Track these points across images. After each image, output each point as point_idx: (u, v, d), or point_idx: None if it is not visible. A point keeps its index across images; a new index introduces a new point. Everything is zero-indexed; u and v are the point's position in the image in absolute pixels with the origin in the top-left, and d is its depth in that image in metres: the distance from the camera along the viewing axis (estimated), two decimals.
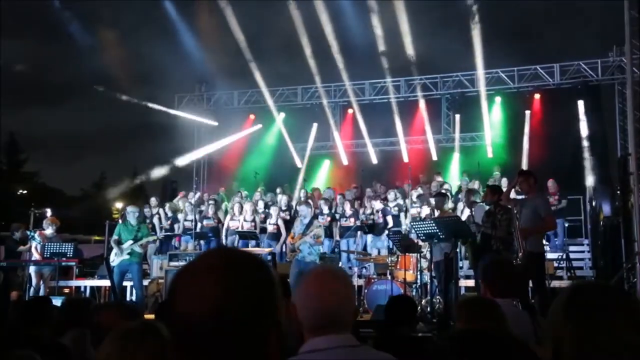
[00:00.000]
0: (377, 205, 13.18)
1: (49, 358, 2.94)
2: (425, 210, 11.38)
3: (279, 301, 1.20)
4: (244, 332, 1.13)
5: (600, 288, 1.53)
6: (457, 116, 17.06)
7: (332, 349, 1.83)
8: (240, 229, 13.25)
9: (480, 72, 15.95)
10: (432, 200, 10.87)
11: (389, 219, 12.89)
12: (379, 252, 12.62)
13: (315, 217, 12.15)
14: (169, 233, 13.96)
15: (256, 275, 1.18)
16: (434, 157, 17.37)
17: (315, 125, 18.08)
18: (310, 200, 13.98)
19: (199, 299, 1.12)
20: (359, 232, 13.09)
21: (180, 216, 14.30)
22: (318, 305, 1.89)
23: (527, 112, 16.54)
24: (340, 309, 1.92)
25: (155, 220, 14.27)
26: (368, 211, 13.40)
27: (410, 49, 15.37)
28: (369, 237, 13.18)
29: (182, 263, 11.24)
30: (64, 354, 3.24)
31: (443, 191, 11.89)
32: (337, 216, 13.36)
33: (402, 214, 12.97)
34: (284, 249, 12.93)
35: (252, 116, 18.73)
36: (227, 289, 1.13)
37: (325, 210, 13.34)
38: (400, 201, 13.38)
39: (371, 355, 1.96)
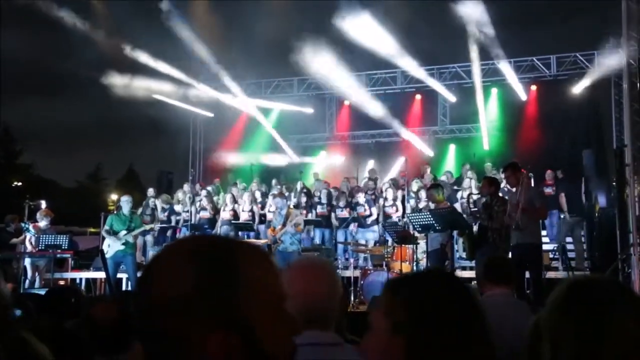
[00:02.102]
0: (361, 198, 13.16)
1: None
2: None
3: (245, 304, 1.00)
4: (188, 324, 0.98)
5: (600, 283, 1.50)
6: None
7: (305, 345, 1.76)
8: (234, 220, 13.24)
9: (477, 63, 15.90)
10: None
11: (374, 210, 12.90)
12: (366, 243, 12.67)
13: (295, 206, 12.22)
14: (164, 225, 13.93)
15: (225, 267, 1.01)
16: (430, 149, 17.40)
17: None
18: (305, 191, 14.02)
19: (161, 282, 1.01)
20: (352, 224, 13.08)
21: (177, 208, 14.28)
22: (302, 300, 1.82)
23: (524, 104, 16.54)
24: (324, 304, 1.87)
25: (156, 212, 14.25)
26: (354, 201, 13.42)
27: (406, 40, 15.31)
28: (351, 228, 13.19)
29: None
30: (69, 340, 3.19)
31: (440, 182, 11.91)
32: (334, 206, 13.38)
33: (399, 205, 12.98)
34: None
35: (248, 107, 18.63)
36: (189, 275, 0.99)
37: (324, 200, 13.35)
38: (397, 193, 13.40)
39: (348, 355, 1.89)
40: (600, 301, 1.41)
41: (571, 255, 12.07)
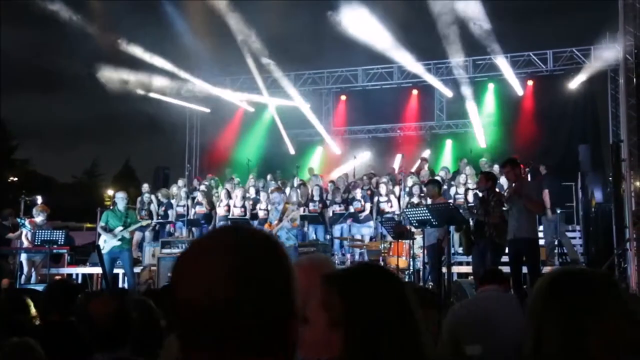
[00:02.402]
0: (358, 193, 13.17)
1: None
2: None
3: (295, 291, 1.06)
4: (258, 323, 0.98)
5: (586, 274, 1.48)
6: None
7: None
8: (230, 215, 13.23)
9: (467, 58, 15.99)
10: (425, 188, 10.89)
11: (368, 205, 12.92)
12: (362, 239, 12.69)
13: (289, 202, 12.21)
14: (161, 220, 13.91)
15: (273, 259, 1.03)
16: (427, 144, 17.41)
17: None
18: (302, 187, 14.01)
19: (208, 283, 0.98)
20: (348, 220, 13.07)
21: (173, 202, 14.26)
22: (304, 298, 1.81)
23: (520, 99, 16.54)
24: None
25: (152, 207, 14.23)
26: (351, 196, 13.44)
27: (403, 35, 15.29)
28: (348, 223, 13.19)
29: (174, 250, 11.24)
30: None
31: (437, 178, 11.92)
32: (328, 203, 13.37)
33: (394, 200, 12.99)
34: None
35: (243, 102, 18.62)
36: (240, 273, 0.98)
37: (317, 197, 13.35)
38: (393, 188, 13.42)
39: None
40: (585, 293, 1.39)
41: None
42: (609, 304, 1.38)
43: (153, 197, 14.37)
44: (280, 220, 10.82)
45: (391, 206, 12.77)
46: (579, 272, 1.50)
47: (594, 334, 1.34)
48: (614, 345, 1.34)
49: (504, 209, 8.00)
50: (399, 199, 13.07)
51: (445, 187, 12.73)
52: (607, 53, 14.37)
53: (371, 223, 12.90)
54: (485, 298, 4.27)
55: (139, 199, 14.35)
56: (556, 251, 11.56)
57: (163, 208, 14.14)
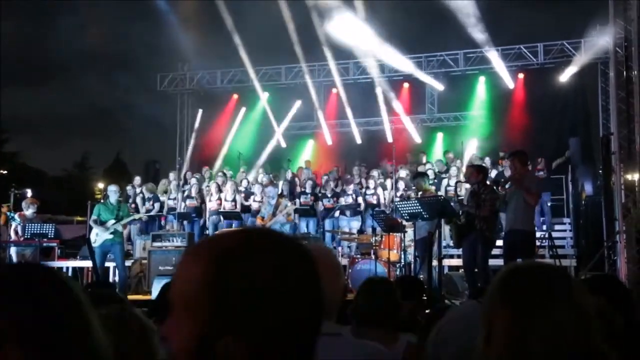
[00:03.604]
0: (350, 188, 13.19)
1: None
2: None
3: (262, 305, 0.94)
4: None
5: (537, 270, 1.46)
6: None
7: None
8: (221, 209, 13.20)
9: (458, 51, 15.99)
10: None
11: (360, 199, 12.94)
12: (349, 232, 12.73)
13: (282, 195, 12.19)
14: (151, 214, 13.86)
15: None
16: (418, 138, 17.41)
17: (298, 102, 17.97)
18: (297, 179, 14.01)
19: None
20: (337, 213, 13.07)
21: (162, 197, 14.20)
22: None
23: (511, 92, 16.57)
24: (328, 293, 1.86)
25: (139, 200, 14.17)
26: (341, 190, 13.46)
27: (395, 28, 15.28)
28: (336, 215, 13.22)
29: (165, 243, 11.19)
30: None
31: (427, 171, 11.95)
32: (320, 195, 13.38)
33: (384, 193, 13.02)
34: None
35: (235, 96, 18.60)
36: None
37: (309, 189, 13.34)
38: (383, 181, 13.45)
39: (347, 346, 1.88)
40: (532, 290, 1.37)
41: (558, 243, 12.14)
42: (556, 301, 1.36)
43: (143, 190, 14.32)
44: (274, 214, 10.81)
45: (377, 199, 12.82)
46: (531, 268, 1.48)
47: (537, 331, 1.33)
48: (557, 342, 1.32)
49: (498, 191, 8.02)
50: (391, 191, 13.09)
51: (436, 180, 12.77)
52: (598, 46, 14.41)
53: (359, 216, 12.94)
54: (465, 306, 4.37)
55: (129, 191, 14.31)
56: (546, 244, 11.61)
57: (151, 202, 14.08)
